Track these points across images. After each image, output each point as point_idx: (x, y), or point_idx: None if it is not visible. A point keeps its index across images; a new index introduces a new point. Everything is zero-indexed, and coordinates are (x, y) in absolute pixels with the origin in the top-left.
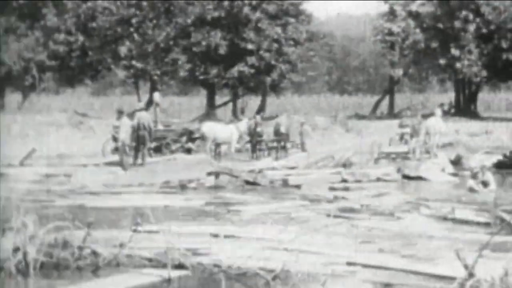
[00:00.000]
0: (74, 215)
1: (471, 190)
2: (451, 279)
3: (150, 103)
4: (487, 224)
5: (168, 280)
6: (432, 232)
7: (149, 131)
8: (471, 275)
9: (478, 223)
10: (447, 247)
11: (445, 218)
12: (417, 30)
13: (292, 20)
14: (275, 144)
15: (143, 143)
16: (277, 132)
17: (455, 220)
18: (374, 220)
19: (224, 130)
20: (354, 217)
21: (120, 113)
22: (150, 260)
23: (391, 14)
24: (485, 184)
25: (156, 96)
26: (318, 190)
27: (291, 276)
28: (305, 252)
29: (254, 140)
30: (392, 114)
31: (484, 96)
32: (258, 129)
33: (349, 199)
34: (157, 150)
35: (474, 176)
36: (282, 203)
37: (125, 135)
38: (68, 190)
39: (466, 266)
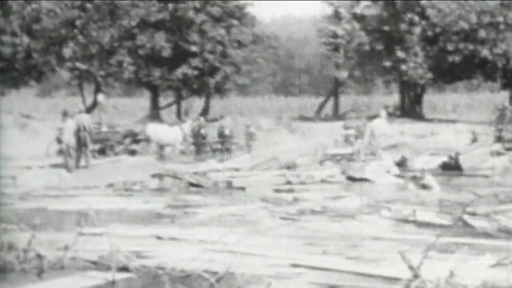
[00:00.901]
0: (19, 218)
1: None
2: (396, 280)
3: (94, 104)
4: (449, 226)
5: (112, 283)
6: (377, 233)
7: (89, 132)
8: (416, 276)
9: (440, 226)
10: (393, 248)
11: (406, 221)
12: (362, 33)
13: (236, 22)
14: (219, 146)
15: (84, 144)
16: (221, 134)
17: (416, 223)
18: (319, 221)
19: (168, 132)
20: (309, 219)
21: (65, 115)
22: (94, 263)
23: (336, 17)
24: (426, 186)
25: (101, 97)
26: (261, 191)
27: (235, 278)
28: (250, 254)
29: (198, 142)
30: (336, 115)
31: (430, 98)
32: (202, 131)
33: (309, 201)
34: (102, 152)
35: (414, 178)
36: (242, 206)
37: (69, 137)
38: (20, 193)
39: (411, 267)
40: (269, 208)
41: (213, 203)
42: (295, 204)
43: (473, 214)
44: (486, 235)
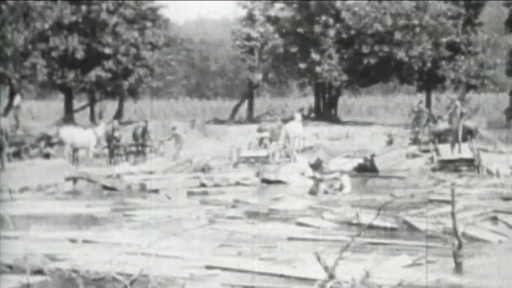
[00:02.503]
0: None
1: (325, 193)
2: (312, 281)
3: (9, 107)
4: (393, 229)
5: (27, 286)
6: (292, 234)
7: (5, 136)
8: (331, 276)
9: (384, 228)
10: (308, 249)
11: (350, 223)
12: (276, 35)
13: (149, 24)
14: (133, 148)
15: (1, 148)
16: (135, 137)
17: (360, 225)
18: (235, 223)
19: (82, 134)
20: (231, 222)
21: None
22: (9, 266)
23: (250, 19)
24: (339, 187)
25: (17, 100)
26: (176, 194)
27: (149, 280)
28: (165, 256)
29: (112, 145)
30: (251, 118)
31: (345, 101)
32: (116, 134)
33: (253, 203)
34: (16, 155)
35: (329, 180)
36: (182, 209)
37: None
38: None
39: (326, 268)
40: (213, 212)
41: (153, 206)
42: (239, 207)
43: (421, 216)
44: (397, 236)
